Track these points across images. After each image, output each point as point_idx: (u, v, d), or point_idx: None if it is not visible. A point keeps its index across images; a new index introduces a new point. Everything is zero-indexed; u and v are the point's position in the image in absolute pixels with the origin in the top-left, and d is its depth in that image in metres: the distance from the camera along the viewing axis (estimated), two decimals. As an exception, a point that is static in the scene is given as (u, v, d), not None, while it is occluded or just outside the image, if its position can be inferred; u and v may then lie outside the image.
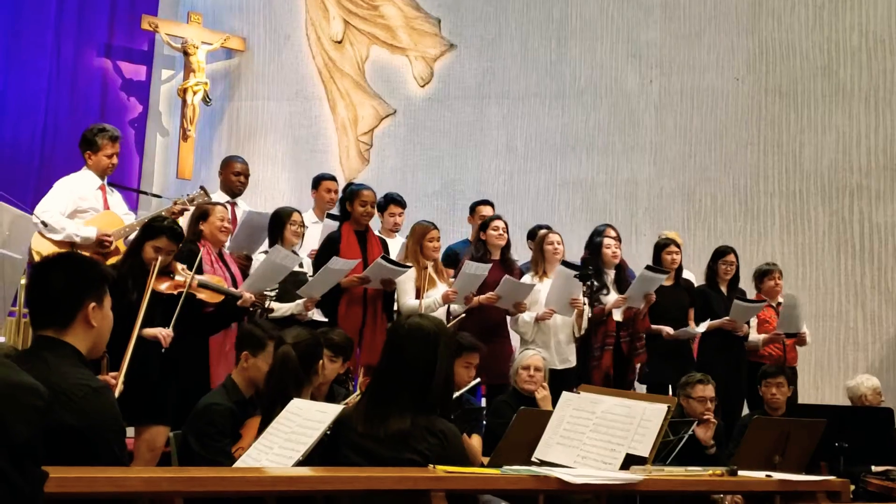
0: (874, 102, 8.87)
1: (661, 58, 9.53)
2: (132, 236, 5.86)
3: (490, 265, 6.19)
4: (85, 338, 2.58)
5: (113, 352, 4.21)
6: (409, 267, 6.09)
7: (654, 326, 6.68)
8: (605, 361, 6.36)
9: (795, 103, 9.10)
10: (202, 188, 6.37)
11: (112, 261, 5.64)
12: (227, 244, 6.15)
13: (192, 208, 6.04)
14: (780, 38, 9.20)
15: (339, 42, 10.33)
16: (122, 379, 3.72)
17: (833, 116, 8.98)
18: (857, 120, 8.91)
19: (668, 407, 3.22)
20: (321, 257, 6.00)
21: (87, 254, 5.24)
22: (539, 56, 9.83)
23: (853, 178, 8.85)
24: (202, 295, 5.07)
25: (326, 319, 6.02)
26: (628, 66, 9.61)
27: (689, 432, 4.71)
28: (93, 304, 2.57)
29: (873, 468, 5.45)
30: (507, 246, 6.60)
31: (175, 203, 6.10)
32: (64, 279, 2.57)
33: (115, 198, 6.17)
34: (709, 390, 5.40)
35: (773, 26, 9.23)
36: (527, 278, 6.47)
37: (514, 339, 6.60)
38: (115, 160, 6.08)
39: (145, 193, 7.99)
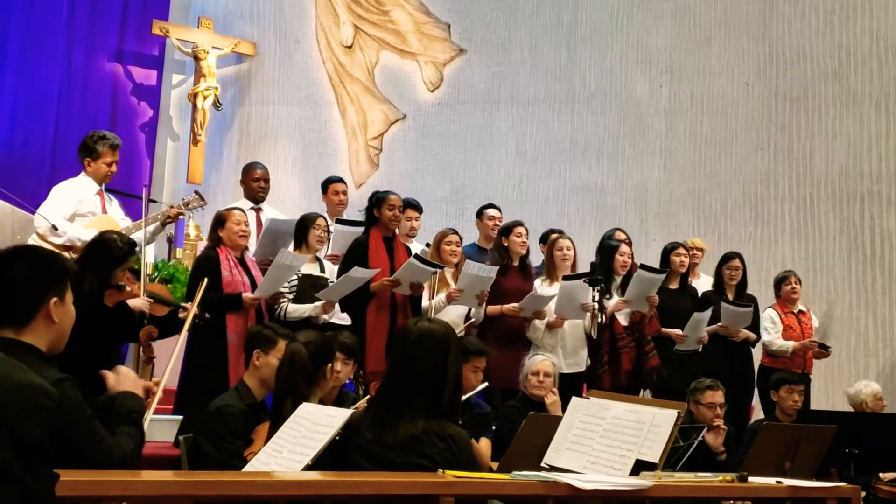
0: (885, 108, 8.84)
1: (671, 63, 9.52)
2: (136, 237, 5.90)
3: (496, 268, 6.19)
4: (45, 335, 2.49)
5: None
6: (441, 267, 6.11)
7: (664, 330, 6.66)
8: (623, 364, 6.36)
9: (806, 108, 9.08)
10: (197, 193, 6.40)
11: None
12: (252, 251, 6.20)
13: (186, 212, 6.09)
14: (791, 43, 9.18)
15: (350, 47, 10.35)
16: (163, 386, 3.72)
17: (844, 122, 8.95)
18: (867, 125, 8.88)
19: (678, 413, 3.21)
20: (348, 262, 5.98)
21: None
22: (549, 61, 9.84)
23: (864, 184, 8.82)
24: (150, 309, 5.03)
25: (350, 323, 6.05)
26: (638, 72, 9.61)
27: (699, 438, 4.69)
28: (55, 300, 2.49)
29: (883, 475, 5.43)
30: (527, 252, 6.63)
31: (171, 207, 6.13)
32: (26, 273, 2.46)
33: (113, 203, 6.18)
34: (718, 396, 5.38)
35: (784, 31, 9.21)
36: (538, 282, 6.48)
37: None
38: (114, 168, 6.06)
39: (140, 198, 8.00)
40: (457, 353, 3.15)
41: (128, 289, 4.89)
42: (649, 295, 6.42)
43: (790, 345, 7.01)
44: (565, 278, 6.28)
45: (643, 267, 6.50)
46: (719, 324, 6.85)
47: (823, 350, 7.15)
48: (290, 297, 5.83)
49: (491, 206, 7.53)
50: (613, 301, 6.42)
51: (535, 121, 9.82)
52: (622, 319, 6.47)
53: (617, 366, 6.36)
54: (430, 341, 3.11)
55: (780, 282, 7.34)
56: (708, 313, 6.70)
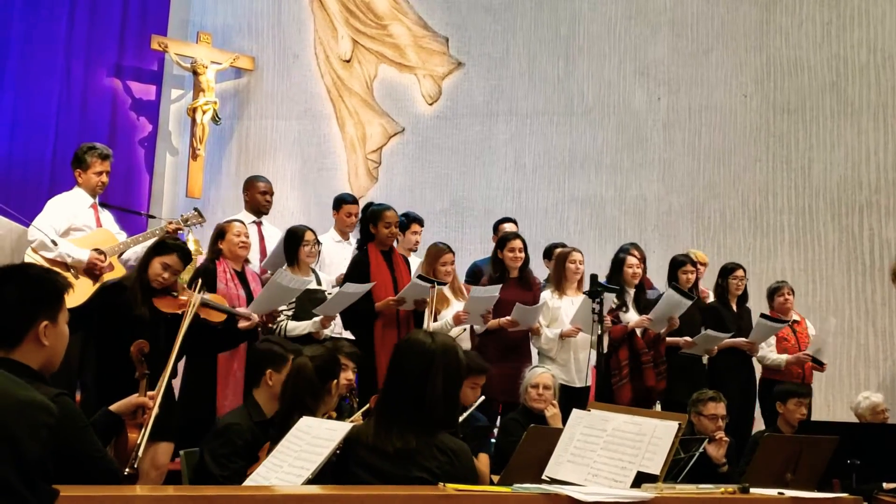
0: (883, 118, 8.86)
1: (669, 75, 9.54)
2: (134, 252, 5.90)
3: (500, 286, 6.18)
4: (36, 357, 2.47)
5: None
6: (444, 283, 6.10)
7: (669, 339, 6.65)
8: (648, 380, 6.34)
9: (804, 120, 9.09)
10: (196, 210, 6.41)
11: (109, 276, 5.64)
12: (258, 265, 6.19)
13: (185, 228, 6.09)
14: (788, 54, 9.21)
15: (348, 61, 10.37)
16: (158, 400, 3.70)
17: (842, 133, 8.96)
18: (865, 136, 8.89)
19: (679, 424, 3.20)
20: (351, 281, 5.98)
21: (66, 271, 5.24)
22: (547, 74, 9.86)
23: (862, 195, 8.83)
24: (205, 314, 4.95)
25: (354, 339, 6.05)
26: (636, 84, 9.62)
27: (700, 450, 4.68)
28: (45, 323, 2.46)
29: (885, 485, 5.41)
30: (525, 263, 6.60)
31: (169, 223, 6.11)
32: (16, 294, 2.44)
33: (107, 217, 6.16)
34: (720, 408, 5.38)
35: (781, 43, 9.23)
36: (546, 295, 6.46)
37: (535, 357, 6.58)
38: (104, 178, 6.02)
39: (138, 213, 7.98)
40: (445, 365, 3.11)
41: (182, 297, 4.78)
42: (671, 316, 6.43)
43: (783, 359, 6.99)
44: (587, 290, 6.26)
45: (674, 288, 6.50)
46: (744, 339, 6.82)
47: (818, 365, 7.11)
48: (290, 313, 5.81)
49: (507, 219, 7.54)
50: (632, 314, 6.42)
51: (533, 133, 9.83)
52: (638, 333, 6.47)
53: (640, 381, 6.35)
54: (415, 352, 3.10)
55: (772, 293, 7.31)
56: (723, 335, 6.71)
